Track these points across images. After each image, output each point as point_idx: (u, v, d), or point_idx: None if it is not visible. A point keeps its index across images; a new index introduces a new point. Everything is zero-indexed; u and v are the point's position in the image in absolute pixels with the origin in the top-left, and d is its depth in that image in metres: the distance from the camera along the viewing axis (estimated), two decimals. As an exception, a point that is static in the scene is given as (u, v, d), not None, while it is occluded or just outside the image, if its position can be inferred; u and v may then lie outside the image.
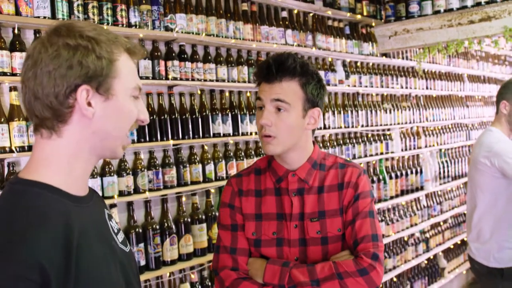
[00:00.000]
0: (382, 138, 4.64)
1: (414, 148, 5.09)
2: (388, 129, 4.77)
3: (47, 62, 1.06)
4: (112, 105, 1.12)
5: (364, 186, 1.75)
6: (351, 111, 4.31)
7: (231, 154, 3.34)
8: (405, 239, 4.88)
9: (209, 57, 3.23)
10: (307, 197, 1.74)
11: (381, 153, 4.59)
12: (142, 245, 2.81)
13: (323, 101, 1.77)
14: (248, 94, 3.53)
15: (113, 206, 2.71)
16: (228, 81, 3.31)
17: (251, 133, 3.42)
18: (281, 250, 1.73)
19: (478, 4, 4.04)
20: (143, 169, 2.86)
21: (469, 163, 3.30)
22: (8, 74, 2.36)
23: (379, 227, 1.73)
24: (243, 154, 3.41)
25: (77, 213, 1.10)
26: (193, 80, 3.10)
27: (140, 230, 2.84)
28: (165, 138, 2.95)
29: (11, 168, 2.38)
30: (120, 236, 1.28)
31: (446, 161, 5.55)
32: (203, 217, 3.13)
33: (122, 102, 1.13)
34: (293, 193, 1.75)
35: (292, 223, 1.73)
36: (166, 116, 2.98)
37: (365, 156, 4.41)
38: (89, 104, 1.09)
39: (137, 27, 2.81)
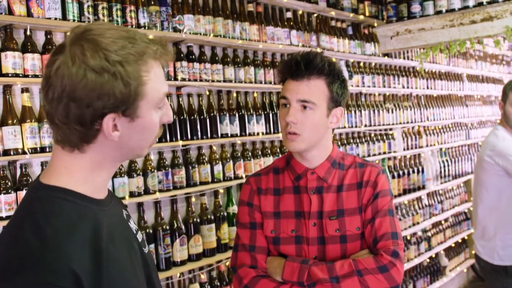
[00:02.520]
0: (384, 137, 4.67)
1: (416, 148, 5.12)
2: (390, 129, 4.80)
3: (73, 88, 0.99)
4: (137, 125, 1.07)
5: (383, 184, 1.76)
6: (355, 111, 4.33)
7: (239, 154, 3.35)
8: (408, 238, 4.90)
9: (217, 58, 3.25)
10: (326, 195, 1.75)
11: (384, 153, 4.62)
12: (152, 245, 2.82)
13: (345, 101, 1.79)
14: (255, 94, 3.54)
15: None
16: (235, 82, 3.33)
17: (258, 134, 3.44)
18: (300, 248, 1.74)
19: (480, 4, 4.07)
20: (153, 170, 2.86)
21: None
22: (20, 75, 2.36)
23: (399, 226, 1.74)
24: (250, 154, 3.42)
25: (102, 217, 1.09)
26: (201, 80, 3.11)
27: (151, 231, 2.85)
28: (174, 139, 2.96)
29: (23, 170, 2.38)
30: (139, 237, 1.26)
31: (447, 160, 5.59)
32: (212, 217, 3.14)
33: (148, 119, 1.08)
34: (312, 191, 1.76)
35: (310, 221, 1.73)
36: (175, 117, 2.98)
37: (369, 155, 4.43)
38: (115, 126, 1.04)
39: (146, 28, 2.82)
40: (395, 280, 1.63)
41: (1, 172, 2.31)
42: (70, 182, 1.07)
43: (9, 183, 2.32)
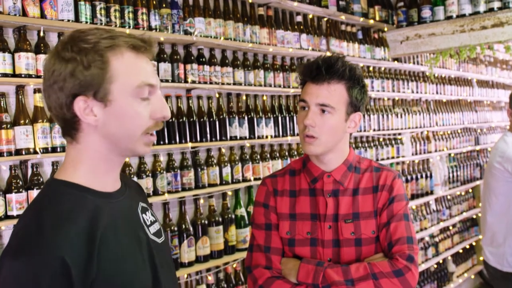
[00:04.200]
0: (393, 142, 4.66)
1: (424, 153, 5.11)
2: (399, 133, 4.80)
3: (48, 77, 1.14)
4: (113, 110, 1.14)
5: (399, 189, 1.76)
6: (364, 115, 4.33)
7: (247, 157, 3.36)
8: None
9: (227, 61, 3.26)
10: (342, 198, 1.76)
11: (393, 157, 4.61)
12: (160, 246, 2.83)
13: (364, 106, 1.79)
14: (264, 97, 3.55)
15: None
16: (245, 85, 3.34)
17: (266, 137, 3.45)
18: (315, 250, 1.75)
19: (491, 9, 4.06)
20: (162, 171, 2.88)
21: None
22: (33, 76, 2.38)
23: (414, 230, 1.74)
24: (259, 157, 3.43)
25: (104, 209, 1.17)
26: (211, 83, 3.13)
27: (159, 232, 2.86)
28: (183, 141, 2.98)
29: (35, 169, 2.40)
30: (153, 228, 1.32)
31: (455, 166, 5.57)
32: (220, 219, 3.15)
33: (124, 106, 1.14)
34: (328, 194, 1.76)
35: (326, 223, 1.74)
36: (184, 119, 3.00)
37: (377, 160, 4.43)
38: (91, 111, 1.13)
39: (158, 30, 2.84)
40: (410, 285, 1.64)
41: (13, 172, 2.34)
42: (75, 176, 1.18)
43: (21, 182, 2.35)
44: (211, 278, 3.14)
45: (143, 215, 1.31)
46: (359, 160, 1.85)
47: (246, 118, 3.34)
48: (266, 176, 1.93)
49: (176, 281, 1.40)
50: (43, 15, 2.43)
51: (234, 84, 3.28)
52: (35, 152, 2.37)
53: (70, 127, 1.16)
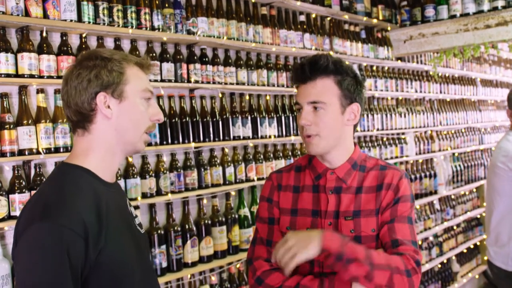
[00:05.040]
0: (397, 141, 4.65)
1: (428, 152, 5.09)
2: (403, 133, 4.78)
3: (73, 80, 1.40)
4: (126, 105, 1.42)
5: (405, 189, 1.73)
6: (367, 115, 4.32)
7: (251, 157, 3.36)
8: (419, 243, 4.87)
9: (230, 61, 3.26)
10: (344, 196, 1.75)
11: (396, 157, 4.60)
12: (164, 247, 2.83)
13: (361, 96, 1.78)
14: (268, 97, 3.54)
15: (136, 208, 2.73)
16: (248, 84, 3.33)
17: (270, 136, 3.44)
18: None
19: (495, 8, 4.04)
20: (165, 171, 2.88)
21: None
22: (36, 76, 2.38)
23: (416, 235, 1.72)
24: (262, 157, 3.43)
25: (105, 193, 1.41)
26: (214, 83, 3.12)
27: (162, 232, 2.86)
28: (186, 141, 2.97)
29: (37, 170, 2.40)
30: (137, 220, 1.57)
31: (459, 165, 5.55)
32: (223, 219, 3.15)
33: (134, 103, 1.43)
34: (330, 191, 1.76)
35: (326, 220, 1.74)
36: (187, 118, 3.00)
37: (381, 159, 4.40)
38: (108, 107, 1.40)
39: (160, 30, 2.84)
40: (414, 287, 1.61)
41: (16, 172, 2.34)
42: (85, 162, 1.42)
43: (24, 183, 2.35)
44: (214, 279, 3.14)
45: (130, 208, 1.56)
46: (366, 158, 1.83)
47: (249, 118, 3.34)
48: (273, 171, 1.95)
49: (154, 273, 1.60)
50: (45, 15, 2.43)
51: (237, 84, 3.27)
52: (38, 153, 2.37)
53: (86, 119, 1.40)
